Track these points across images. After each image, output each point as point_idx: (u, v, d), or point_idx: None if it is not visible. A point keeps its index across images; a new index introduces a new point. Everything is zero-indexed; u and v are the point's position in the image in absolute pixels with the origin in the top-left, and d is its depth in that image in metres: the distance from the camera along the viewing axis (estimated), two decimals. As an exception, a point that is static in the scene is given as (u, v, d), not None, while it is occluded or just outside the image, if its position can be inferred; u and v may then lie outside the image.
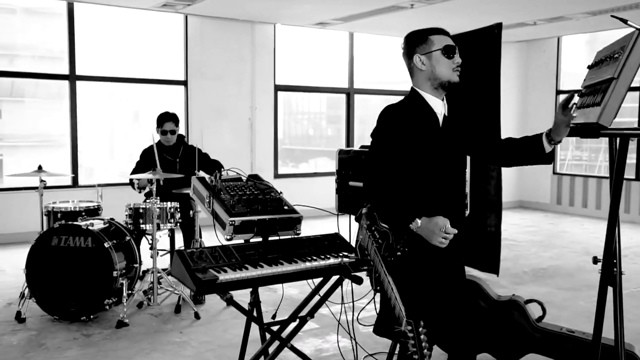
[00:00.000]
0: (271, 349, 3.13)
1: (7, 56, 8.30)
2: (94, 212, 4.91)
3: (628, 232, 8.53)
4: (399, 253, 2.32)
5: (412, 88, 2.50)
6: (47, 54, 8.51)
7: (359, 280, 2.91)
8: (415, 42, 2.46)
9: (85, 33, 8.15)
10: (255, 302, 3.20)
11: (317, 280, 3.06)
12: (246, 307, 3.11)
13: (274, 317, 3.32)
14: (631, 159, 9.60)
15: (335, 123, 11.09)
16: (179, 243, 5.43)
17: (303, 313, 3.13)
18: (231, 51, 9.08)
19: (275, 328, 3.13)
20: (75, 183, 7.99)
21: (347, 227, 3.38)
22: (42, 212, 4.82)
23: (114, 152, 9.32)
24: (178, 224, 4.94)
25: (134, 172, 5.37)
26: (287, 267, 2.73)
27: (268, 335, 3.17)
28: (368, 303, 2.74)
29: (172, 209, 4.85)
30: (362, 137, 10.49)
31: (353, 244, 3.12)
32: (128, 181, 5.15)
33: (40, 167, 4.93)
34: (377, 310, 2.57)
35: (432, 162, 2.41)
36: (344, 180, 3.80)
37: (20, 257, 5.61)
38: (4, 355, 3.88)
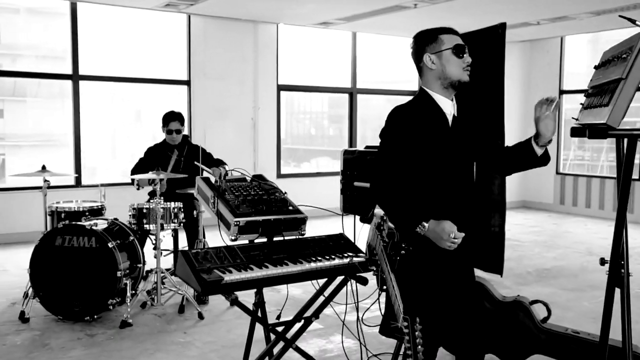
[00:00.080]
0: (275, 350, 3.12)
1: (9, 56, 8.31)
2: (97, 212, 4.90)
3: (632, 233, 8.50)
4: (403, 252, 2.32)
5: (421, 88, 2.49)
6: (49, 54, 8.51)
7: (364, 281, 2.91)
8: (425, 41, 2.44)
9: (88, 33, 8.15)
10: (260, 302, 3.19)
11: (322, 281, 3.05)
12: (250, 307, 3.10)
13: (278, 317, 3.31)
14: (636, 159, 9.56)
15: (337, 122, 11.09)
16: (183, 243, 5.42)
17: (308, 314, 3.12)
18: (234, 51, 9.08)
19: (279, 329, 3.13)
20: (78, 183, 7.98)
21: (352, 228, 3.38)
22: (46, 211, 4.82)
23: (116, 152, 9.32)
24: (182, 224, 4.94)
25: (135, 168, 5.39)
26: (292, 268, 2.73)
27: (272, 336, 3.16)
28: (373, 303, 2.74)
29: (175, 209, 4.85)
30: (365, 137, 10.48)
31: (358, 244, 3.12)
32: (130, 179, 5.15)
33: (44, 167, 4.93)
34: (382, 311, 2.56)
35: (441, 162, 2.40)
36: (349, 181, 3.80)
37: (23, 257, 5.62)
38: (8, 355, 3.88)
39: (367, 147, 4.19)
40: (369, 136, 10.61)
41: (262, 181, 3.38)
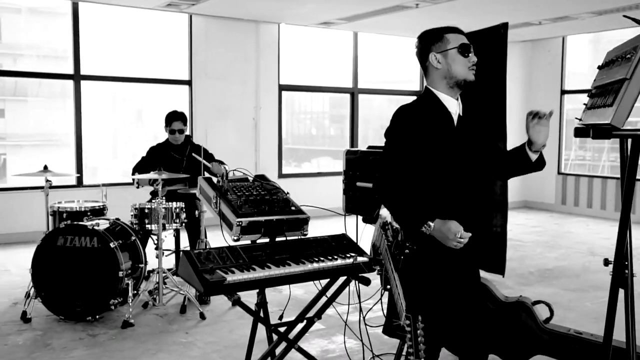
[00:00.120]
0: (277, 350, 3.12)
1: (11, 55, 8.31)
2: (99, 212, 4.90)
3: (635, 233, 8.47)
4: (407, 251, 2.32)
5: (426, 87, 2.48)
6: (51, 54, 8.51)
7: (366, 281, 2.90)
8: (430, 41, 2.43)
9: (90, 32, 8.16)
10: (262, 302, 3.18)
11: (324, 281, 3.05)
12: (253, 307, 3.10)
13: (280, 318, 3.31)
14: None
15: (338, 122, 11.08)
16: (184, 243, 5.42)
17: (310, 314, 3.12)
18: (235, 51, 9.07)
19: (282, 329, 3.12)
20: (80, 183, 7.99)
21: (354, 228, 3.37)
22: (48, 211, 4.82)
23: (117, 152, 9.32)
24: (183, 224, 4.94)
25: (136, 167, 5.39)
26: (294, 268, 2.72)
27: (275, 336, 3.16)
28: (375, 304, 2.73)
29: (177, 209, 4.85)
30: (366, 137, 10.48)
31: (360, 244, 3.11)
32: (132, 177, 5.15)
33: (46, 167, 4.93)
34: (385, 311, 2.56)
35: (446, 162, 2.39)
36: (352, 181, 3.79)
37: (25, 257, 5.61)
38: (9, 355, 3.88)
39: (369, 147, 4.18)
40: (370, 136, 10.61)
41: (265, 181, 3.37)
